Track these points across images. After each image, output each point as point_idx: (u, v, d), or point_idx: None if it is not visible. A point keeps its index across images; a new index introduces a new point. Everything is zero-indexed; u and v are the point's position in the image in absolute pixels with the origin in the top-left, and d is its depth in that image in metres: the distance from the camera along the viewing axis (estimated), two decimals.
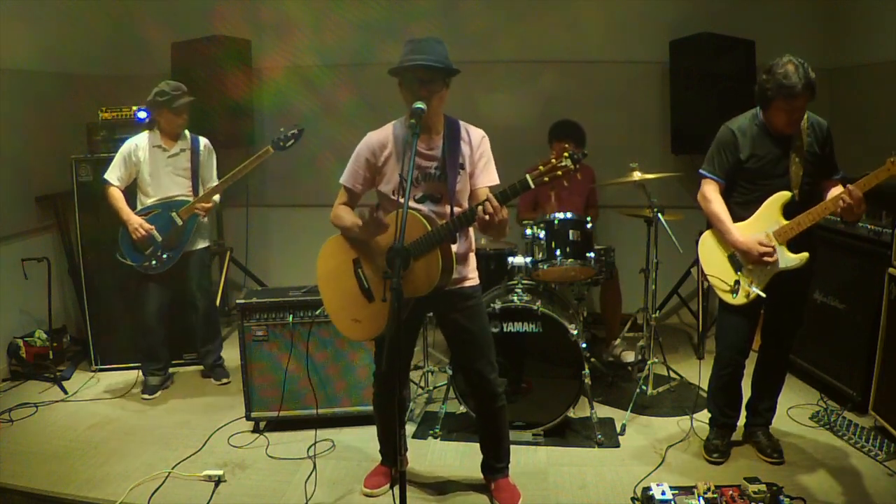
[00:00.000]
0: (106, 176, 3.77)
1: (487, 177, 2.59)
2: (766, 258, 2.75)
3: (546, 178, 2.22)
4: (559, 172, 2.19)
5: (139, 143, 3.79)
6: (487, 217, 2.28)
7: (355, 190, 2.67)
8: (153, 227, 3.74)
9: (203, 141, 3.91)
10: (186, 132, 3.87)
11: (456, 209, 2.51)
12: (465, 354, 2.74)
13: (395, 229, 2.28)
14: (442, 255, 2.43)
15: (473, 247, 2.73)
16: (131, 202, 3.82)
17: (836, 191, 2.75)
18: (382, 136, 2.60)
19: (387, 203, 2.63)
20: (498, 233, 2.40)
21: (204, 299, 4.01)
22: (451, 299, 2.62)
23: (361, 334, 2.67)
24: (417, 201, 2.56)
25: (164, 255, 3.78)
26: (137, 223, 3.71)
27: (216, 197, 3.88)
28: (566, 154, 2.20)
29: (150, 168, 3.77)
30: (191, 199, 3.83)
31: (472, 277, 2.70)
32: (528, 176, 2.25)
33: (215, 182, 3.87)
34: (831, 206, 2.67)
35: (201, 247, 3.97)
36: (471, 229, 2.69)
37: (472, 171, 2.59)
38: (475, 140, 2.59)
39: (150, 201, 3.80)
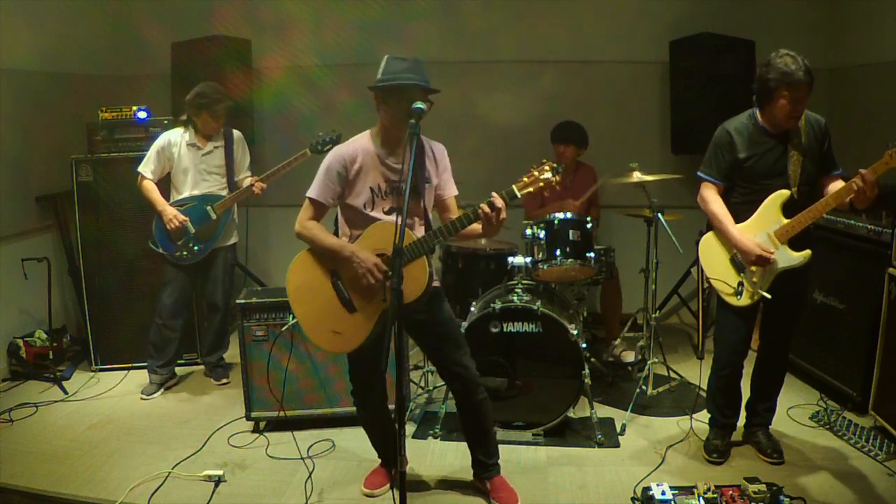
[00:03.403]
0: (140, 168, 3.80)
1: (452, 188, 2.72)
2: (763, 262, 2.75)
3: (531, 189, 2.37)
4: (541, 185, 2.36)
5: (173, 139, 3.81)
6: (493, 213, 2.36)
7: (326, 204, 2.63)
8: (187, 218, 3.77)
9: (236, 134, 3.94)
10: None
11: (420, 221, 2.61)
12: (441, 349, 2.70)
13: (374, 240, 2.46)
14: (428, 261, 2.50)
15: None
16: (164, 195, 3.86)
17: (835, 186, 2.75)
18: (351, 148, 2.59)
19: (355, 216, 2.62)
20: (494, 231, 2.47)
21: (224, 299, 4.02)
22: (423, 303, 2.60)
23: (342, 346, 2.62)
24: (386, 213, 2.59)
25: (196, 247, 3.83)
26: (172, 214, 3.75)
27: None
28: (548, 168, 2.36)
29: (184, 165, 3.81)
30: (226, 193, 3.86)
31: (436, 278, 2.74)
32: (514, 186, 2.39)
33: (247, 172, 3.93)
34: (833, 201, 2.66)
35: (231, 242, 4.01)
36: None
37: (438, 184, 2.67)
38: (438, 154, 2.68)
39: (182, 196, 3.84)
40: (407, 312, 2.67)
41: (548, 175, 2.34)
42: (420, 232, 2.58)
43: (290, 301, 2.67)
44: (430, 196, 2.65)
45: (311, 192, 2.62)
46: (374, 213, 2.58)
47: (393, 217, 2.55)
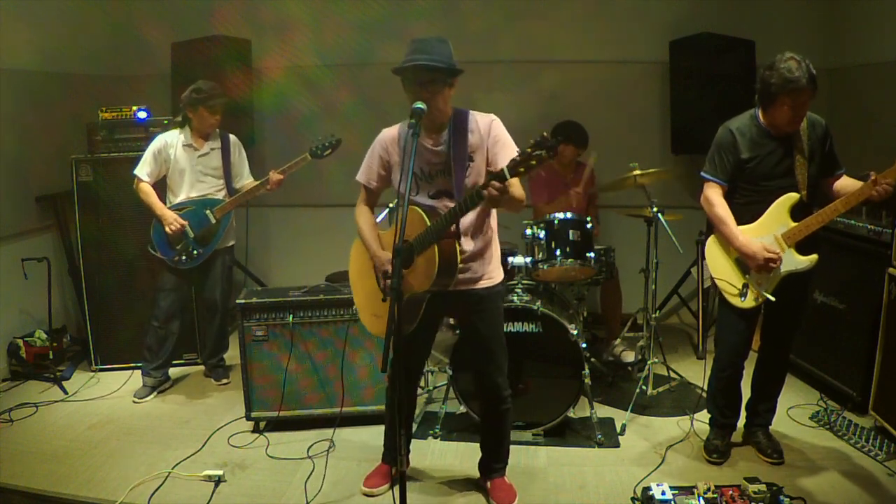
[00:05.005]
0: (136, 171, 3.77)
1: (506, 160, 2.50)
2: (770, 264, 2.74)
3: (522, 168, 2.19)
4: (533, 162, 2.16)
5: (169, 141, 3.79)
6: (496, 193, 2.24)
7: (370, 186, 2.70)
8: (187, 222, 3.76)
9: (233, 138, 3.93)
10: (217, 130, 3.87)
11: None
12: (475, 356, 2.77)
13: (399, 227, 2.28)
14: (440, 250, 2.43)
15: (494, 245, 2.70)
16: (161, 199, 3.85)
17: (841, 185, 2.75)
18: (394, 132, 2.63)
19: (402, 200, 2.63)
20: (510, 207, 2.47)
21: (222, 301, 4.01)
22: (467, 301, 2.63)
23: (380, 329, 2.66)
24: (432, 198, 2.57)
25: (196, 252, 3.81)
26: (172, 217, 3.73)
27: (262, 191, 3.82)
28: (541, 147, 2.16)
29: (180, 167, 3.79)
30: (223, 196, 3.85)
31: (491, 277, 2.67)
32: (504, 168, 2.21)
33: (249, 178, 3.91)
34: (842, 207, 2.66)
35: (229, 244, 4.00)
36: (494, 225, 2.68)
37: (490, 160, 2.56)
38: (484, 128, 2.57)
39: (178, 200, 3.82)
40: (446, 309, 2.73)
41: (539, 152, 2.14)
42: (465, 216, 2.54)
43: (350, 283, 2.86)
44: (476, 175, 2.56)
45: (358, 175, 2.71)
46: (418, 198, 2.56)
47: (437, 202, 2.55)
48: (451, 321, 3.75)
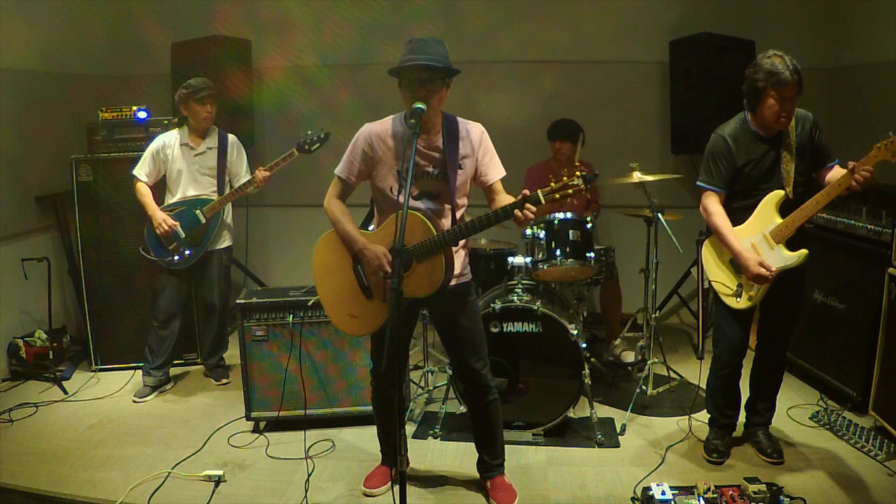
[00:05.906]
0: (134, 171, 3.80)
1: (497, 170, 2.63)
2: (761, 278, 2.73)
3: (557, 196, 2.28)
4: (570, 191, 2.26)
5: (168, 141, 3.82)
6: (531, 216, 2.34)
7: (349, 182, 2.64)
8: (177, 223, 3.77)
9: (232, 138, 3.93)
10: (216, 129, 3.88)
11: (457, 210, 2.54)
12: (459, 350, 2.74)
13: (394, 230, 2.26)
14: (445, 258, 2.46)
15: (468, 242, 2.73)
16: (160, 199, 3.86)
17: (835, 174, 2.74)
18: (381, 129, 2.59)
19: (382, 199, 2.64)
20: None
21: (221, 301, 4.02)
22: (450, 298, 2.63)
23: (357, 329, 2.67)
24: (415, 199, 2.56)
25: (187, 252, 3.82)
26: (161, 218, 3.74)
27: (251, 189, 3.83)
28: (578, 174, 2.26)
29: (177, 166, 3.80)
30: (216, 197, 3.85)
31: (466, 273, 2.72)
32: (539, 192, 2.30)
33: (246, 177, 3.89)
34: (823, 200, 2.65)
35: (225, 245, 4.00)
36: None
37: (480, 170, 2.61)
38: (475, 137, 2.60)
39: (174, 199, 3.83)
40: (423, 304, 2.71)
41: (577, 182, 2.25)
42: (448, 219, 2.55)
43: (314, 279, 2.71)
44: (465, 180, 2.59)
45: (337, 169, 2.64)
46: (401, 198, 2.55)
47: (420, 203, 2.54)
48: None
